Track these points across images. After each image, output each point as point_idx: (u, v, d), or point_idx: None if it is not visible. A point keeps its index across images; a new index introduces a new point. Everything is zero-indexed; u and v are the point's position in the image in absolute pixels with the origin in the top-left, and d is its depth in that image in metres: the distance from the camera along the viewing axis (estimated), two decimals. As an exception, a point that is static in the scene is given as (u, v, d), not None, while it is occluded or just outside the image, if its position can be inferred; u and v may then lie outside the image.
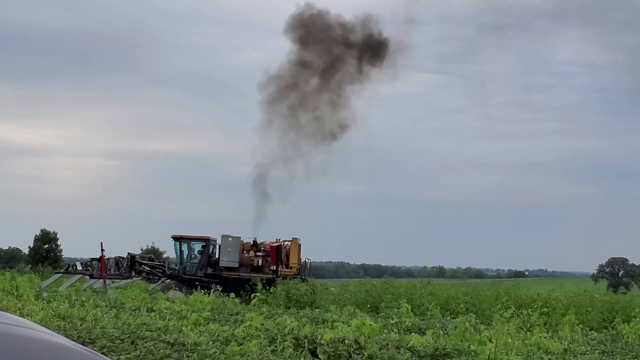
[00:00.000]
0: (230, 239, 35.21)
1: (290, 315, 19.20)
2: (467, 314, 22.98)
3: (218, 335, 12.93)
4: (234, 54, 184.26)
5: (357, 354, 11.09)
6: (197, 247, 35.87)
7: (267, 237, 37.10)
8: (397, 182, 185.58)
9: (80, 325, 13.57)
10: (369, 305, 27.29)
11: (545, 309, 22.00)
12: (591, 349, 15.05)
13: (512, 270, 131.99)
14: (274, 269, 34.68)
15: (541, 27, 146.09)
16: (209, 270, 34.73)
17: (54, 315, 15.63)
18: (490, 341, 13.27)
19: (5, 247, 78.67)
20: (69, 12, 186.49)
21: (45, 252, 64.93)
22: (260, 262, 35.11)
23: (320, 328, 15.83)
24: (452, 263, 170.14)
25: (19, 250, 76.99)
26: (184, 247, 35.81)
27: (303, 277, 35.34)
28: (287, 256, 35.40)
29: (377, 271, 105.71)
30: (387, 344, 12.26)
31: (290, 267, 35.04)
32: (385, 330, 16.22)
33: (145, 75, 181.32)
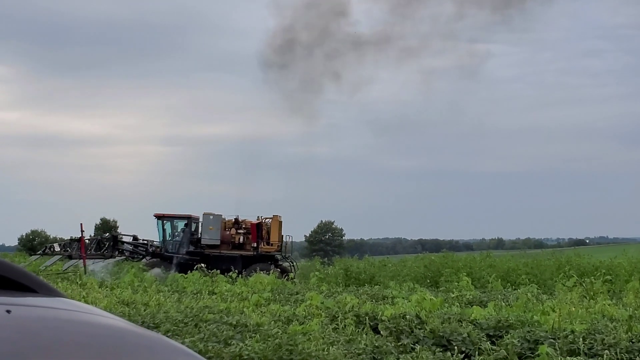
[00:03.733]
0: (211, 217, 35.48)
1: (349, 293, 19.24)
2: (528, 284, 22.74)
3: (279, 316, 13.03)
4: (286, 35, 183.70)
5: (419, 329, 11.05)
6: (180, 225, 36.13)
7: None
8: (452, 154, 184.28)
9: (144, 310, 13.81)
10: (428, 280, 27.20)
11: (608, 277, 21.60)
12: (658, 315, 14.71)
13: (573, 239, 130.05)
14: (255, 246, 34.80)
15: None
16: (191, 248, 34.98)
17: (118, 302, 15.94)
18: (554, 311, 13.09)
19: (67, 237, 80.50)
20: (120, 2, 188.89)
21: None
22: (241, 240, 35.34)
23: (381, 304, 15.83)
24: (511, 234, 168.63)
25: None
26: (167, 225, 36.05)
27: (284, 255, 35.51)
28: (268, 233, 35.46)
29: (434, 245, 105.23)
30: (449, 318, 12.18)
31: (271, 244, 35.21)
32: (446, 304, 16.13)
33: (198, 60, 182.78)
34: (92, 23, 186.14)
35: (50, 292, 1.76)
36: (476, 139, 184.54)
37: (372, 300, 17.15)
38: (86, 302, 15.42)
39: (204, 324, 11.24)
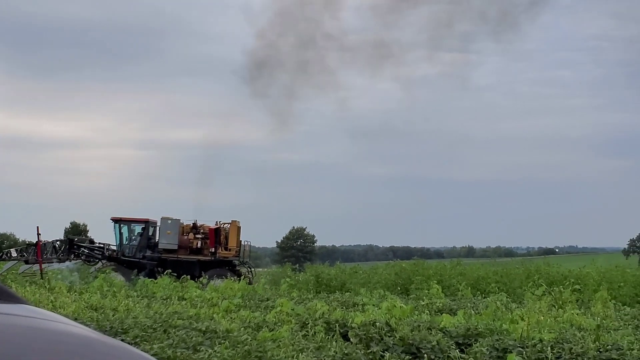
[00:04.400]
0: (169, 221, 35.31)
1: (320, 299, 19.22)
2: (498, 293, 22.89)
3: (249, 322, 12.97)
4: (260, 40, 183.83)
5: (389, 336, 11.06)
6: (137, 229, 35.92)
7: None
8: (425, 163, 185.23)
9: (113, 315, 13.67)
10: (399, 288, 27.27)
11: (577, 286, 21.80)
12: (624, 325, 14.89)
13: (543, 248, 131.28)
14: (213, 251, 34.85)
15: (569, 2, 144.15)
16: (148, 253, 34.85)
17: (87, 307, 15.77)
18: (522, 319, 13.17)
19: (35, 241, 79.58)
20: (94, 5, 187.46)
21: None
22: (199, 245, 35.15)
23: (351, 312, 15.83)
24: (481, 242, 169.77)
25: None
26: (124, 229, 35.76)
27: (242, 260, 35.53)
28: (227, 238, 35.48)
29: (406, 253, 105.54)
30: (419, 326, 12.22)
31: (229, 250, 35.19)
32: (416, 312, 16.18)
33: (172, 64, 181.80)
34: (67, 25, 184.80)
35: (13, 299, 1.73)
36: (449, 147, 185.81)
37: (342, 307, 17.15)
38: (54, 307, 15.23)
39: (173, 330, 11.16)
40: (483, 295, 24.03)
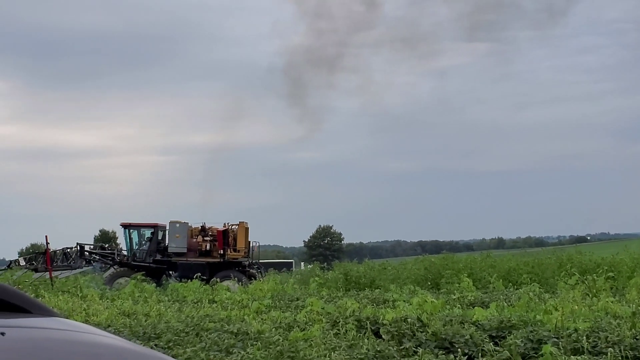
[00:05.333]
0: (178, 225, 35.48)
1: (350, 297, 19.18)
2: (530, 284, 22.70)
3: (280, 322, 12.97)
4: (278, 41, 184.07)
5: (421, 332, 11.01)
6: (147, 233, 36.10)
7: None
8: (450, 155, 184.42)
9: (145, 321, 13.75)
10: (429, 283, 27.14)
11: (610, 273, 21.56)
12: (661, 311, 14.68)
13: (574, 236, 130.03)
14: (222, 253, 34.81)
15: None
16: (158, 257, 34.94)
17: (119, 313, 15.87)
18: (556, 309, 13.04)
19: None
20: (113, 13, 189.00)
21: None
22: (208, 247, 35.30)
23: (382, 308, 15.77)
24: (511, 233, 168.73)
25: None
26: (134, 234, 35.99)
27: (251, 261, 35.49)
28: (235, 240, 35.46)
29: (434, 247, 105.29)
30: (451, 320, 12.14)
31: (238, 251, 35.21)
32: (448, 306, 16.07)
33: (190, 69, 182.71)
34: (85, 35, 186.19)
35: (45, 312, 1.72)
36: (474, 138, 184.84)
37: (372, 304, 17.10)
38: (87, 314, 15.35)
39: (205, 333, 11.19)
40: (515, 286, 23.85)
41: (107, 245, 40.29)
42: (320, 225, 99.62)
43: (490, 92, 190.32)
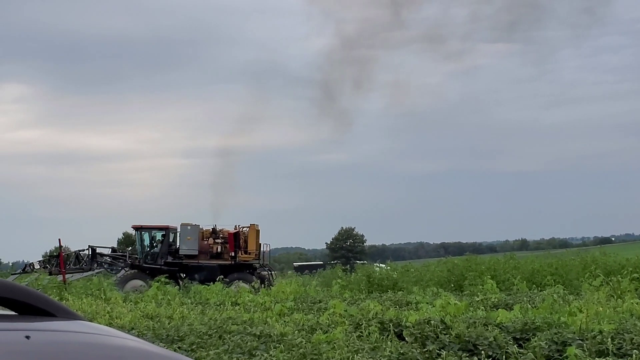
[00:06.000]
0: (189, 227, 35.46)
1: (372, 299, 19.15)
2: (554, 285, 22.52)
3: (303, 325, 12.98)
4: (300, 43, 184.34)
5: (445, 334, 10.95)
6: (158, 236, 36.13)
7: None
8: (472, 155, 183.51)
9: (168, 323, 13.81)
10: (452, 285, 27.02)
11: (635, 274, 21.34)
12: (688, 313, 14.51)
13: (598, 237, 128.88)
14: (233, 255, 34.88)
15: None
16: (169, 259, 35.02)
17: (142, 316, 15.96)
18: (581, 311, 12.95)
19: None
20: (135, 18, 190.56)
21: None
22: (219, 249, 35.26)
23: (405, 310, 15.73)
24: (535, 235, 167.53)
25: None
26: (145, 236, 36.08)
27: (262, 263, 35.43)
28: (246, 242, 35.47)
29: (457, 249, 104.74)
30: (475, 322, 12.07)
31: (249, 253, 35.18)
32: (471, 308, 16.00)
33: (212, 72, 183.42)
34: (109, 39, 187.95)
35: (69, 316, 1.73)
36: (498, 138, 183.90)
37: (395, 307, 17.05)
38: (110, 317, 15.46)
39: (228, 335, 11.22)
40: (539, 288, 23.67)
41: (129, 248, 40.51)
42: (342, 227, 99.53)
43: (515, 92, 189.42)
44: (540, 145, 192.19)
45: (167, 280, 27.99)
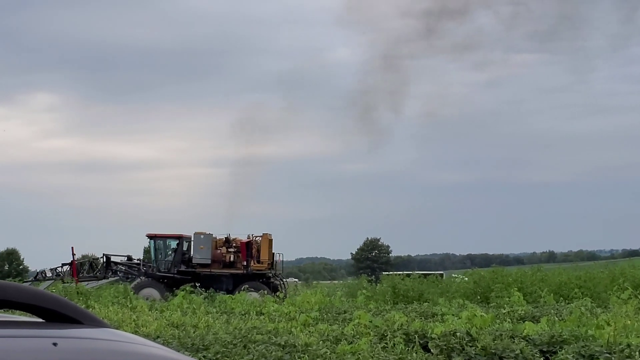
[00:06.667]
0: (202, 236, 35.61)
1: (398, 310, 19.07)
2: (582, 298, 22.29)
3: (328, 335, 12.95)
4: (326, 53, 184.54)
5: (470, 346, 10.88)
6: (172, 244, 36.27)
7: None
8: (499, 166, 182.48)
9: (194, 332, 13.86)
10: (478, 296, 26.83)
11: (665, 288, 21.05)
12: None
13: (627, 250, 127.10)
14: (245, 264, 34.81)
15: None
16: (182, 267, 35.06)
17: (168, 325, 16.03)
18: (608, 324, 12.78)
19: (117, 261, 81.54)
20: (164, 28, 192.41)
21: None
22: (232, 258, 35.33)
23: (430, 322, 15.65)
24: (562, 247, 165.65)
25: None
26: (159, 244, 36.21)
27: (274, 273, 35.30)
28: (259, 252, 35.38)
29: (484, 260, 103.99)
30: (501, 334, 11.98)
31: (261, 263, 35.08)
32: (498, 321, 15.88)
33: (240, 81, 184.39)
34: (138, 50, 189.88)
35: (96, 323, 1.75)
36: (524, 149, 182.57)
37: (421, 318, 16.97)
38: (136, 325, 15.54)
39: (253, 345, 11.23)
40: (566, 301, 23.45)
41: (138, 257, 40.75)
42: (367, 238, 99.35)
43: (545, 102, 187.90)
44: (569, 155, 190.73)
45: (192, 289, 28.12)
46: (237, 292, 30.24)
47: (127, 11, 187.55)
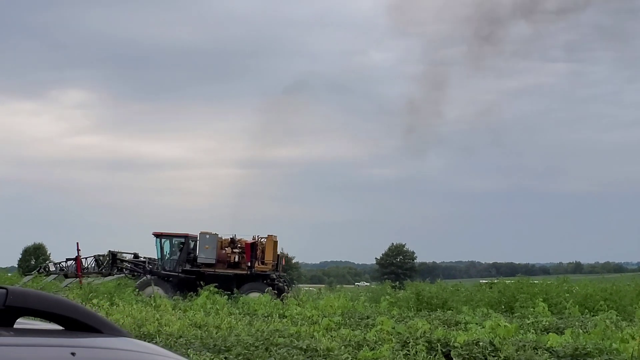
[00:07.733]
0: (207, 236, 35.61)
1: (421, 318, 18.98)
2: (607, 311, 22.03)
3: (350, 340, 12.92)
4: (358, 57, 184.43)
5: (493, 356, 10.80)
6: (178, 243, 36.33)
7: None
8: (527, 175, 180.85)
9: (216, 333, 13.91)
10: (502, 306, 26.61)
11: (693, 303, 20.73)
12: None
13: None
14: (249, 265, 34.82)
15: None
16: (187, 267, 35.14)
17: (191, 325, 16.10)
18: (634, 338, 12.60)
19: (142, 257, 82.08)
20: (196, 29, 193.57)
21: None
22: (237, 259, 35.33)
23: (453, 330, 15.55)
24: (589, 258, 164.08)
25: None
26: (165, 243, 36.29)
27: (278, 274, 35.20)
28: (263, 253, 35.34)
29: (509, 269, 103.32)
30: (524, 345, 11.87)
31: (265, 264, 35.04)
32: (521, 331, 15.74)
33: (272, 83, 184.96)
34: (170, 49, 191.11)
35: (115, 332, 1.75)
36: (552, 159, 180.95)
37: (444, 326, 16.87)
38: (159, 324, 15.62)
39: (275, 348, 11.25)
40: (592, 313, 23.18)
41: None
42: (393, 243, 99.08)
43: (573, 112, 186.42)
44: (598, 166, 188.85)
45: (217, 289, 28.21)
46: (237, 292, 30.45)
47: (161, 11, 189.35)
